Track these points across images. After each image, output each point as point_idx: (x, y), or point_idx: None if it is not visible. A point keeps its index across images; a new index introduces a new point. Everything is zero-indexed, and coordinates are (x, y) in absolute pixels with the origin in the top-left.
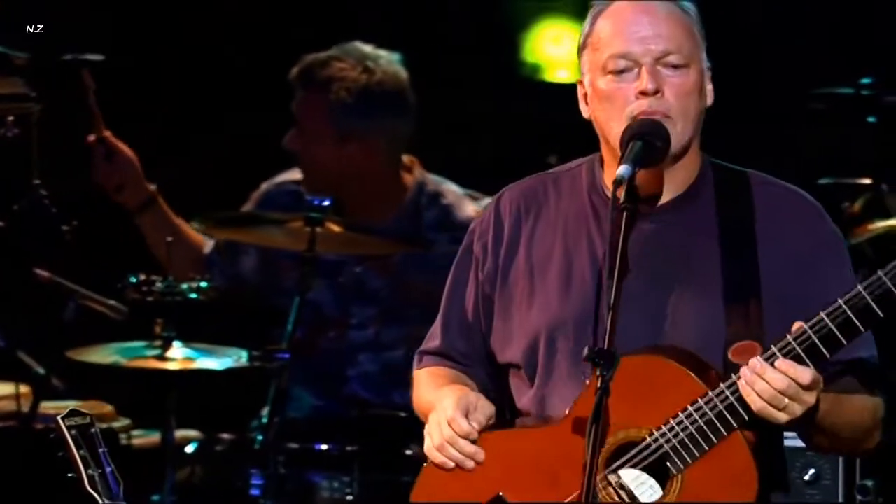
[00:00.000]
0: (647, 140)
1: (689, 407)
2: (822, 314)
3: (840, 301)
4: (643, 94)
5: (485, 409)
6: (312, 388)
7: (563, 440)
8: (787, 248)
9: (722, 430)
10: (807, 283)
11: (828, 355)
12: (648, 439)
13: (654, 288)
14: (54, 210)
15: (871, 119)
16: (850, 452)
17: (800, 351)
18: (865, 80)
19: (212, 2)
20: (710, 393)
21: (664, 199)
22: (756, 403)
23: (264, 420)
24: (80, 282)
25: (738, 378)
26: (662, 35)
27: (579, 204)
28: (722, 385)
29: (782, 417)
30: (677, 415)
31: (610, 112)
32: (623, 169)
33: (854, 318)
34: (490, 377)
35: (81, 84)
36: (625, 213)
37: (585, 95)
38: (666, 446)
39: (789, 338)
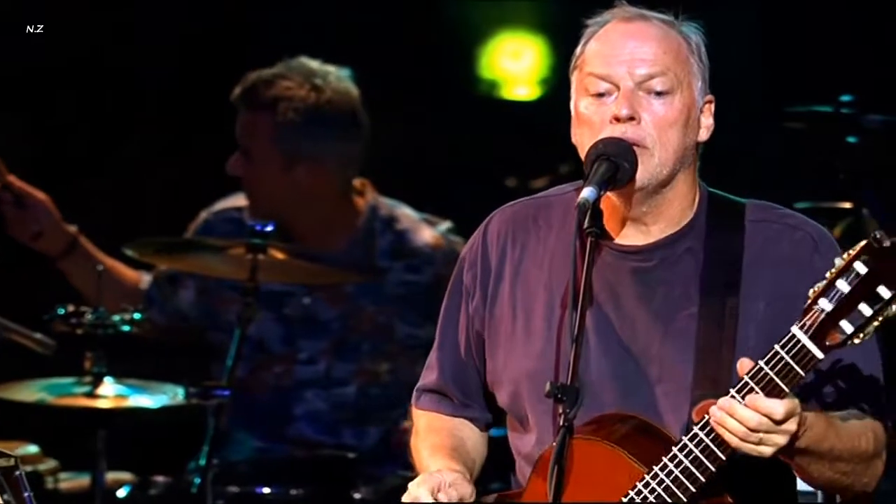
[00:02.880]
0: (613, 161)
1: (629, 492)
2: (777, 347)
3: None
4: (616, 119)
5: (457, 488)
6: (255, 429)
7: None
8: (777, 291)
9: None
10: None
11: (787, 389)
12: None
13: (631, 333)
14: None
15: (851, 139)
16: (848, 487)
17: (758, 389)
18: (845, 98)
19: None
20: (647, 476)
21: (651, 238)
22: (732, 441)
23: (202, 462)
24: (3, 313)
25: (704, 422)
26: (648, 58)
27: (567, 239)
28: (664, 458)
29: (765, 451)
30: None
31: (586, 137)
32: (587, 192)
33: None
34: (493, 412)
35: None
36: (589, 240)
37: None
38: None
39: (745, 377)
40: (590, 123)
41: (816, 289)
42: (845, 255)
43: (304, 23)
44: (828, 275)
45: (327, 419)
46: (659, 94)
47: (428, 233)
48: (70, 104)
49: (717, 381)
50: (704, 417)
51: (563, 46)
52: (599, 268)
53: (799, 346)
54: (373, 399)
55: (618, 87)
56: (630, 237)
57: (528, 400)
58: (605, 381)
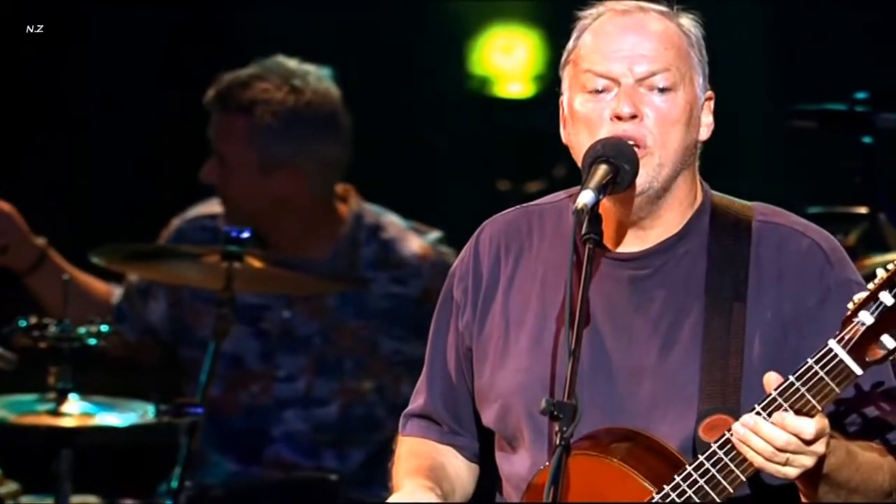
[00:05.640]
0: (612, 163)
1: None
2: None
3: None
4: (618, 117)
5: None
6: (230, 450)
7: None
8: (785, 303)
9: None
10: (807, 341)
11: (819, 407)
12: None
13: (626, 346)
14: None
15: (866, 139)
16: None
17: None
18: (860, 95)
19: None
20: (657, 496)
21: (650, 244)
22: (755, 461)
23: (174, 484)
24: None
25: (725, 439)
26: (649, 54)
27: (561, 249)
28: (677, 477)
29: (791, 472)
30: None
31: (584, 137)
32: (585, 196)
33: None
34: (483, 439)
35: None
36: (588, 247)
37: (565, 118)
38: None
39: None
40: (587, 121)
41: (856, 301)
42: (889, 266)
43: (284, 19)
44: (870, 286)
45: (307, 440)
46: (661, 90)
47: (416, 242)
48: (38, 107)
49: (725, 396)
50: (724, 435)
51: (558, 41)
52: (594, 277)
53: (835, 360)
54: (356, 419)
55: (617, 84)
56: (626, 244)
57: (519, 417)
58: (595, 397)
